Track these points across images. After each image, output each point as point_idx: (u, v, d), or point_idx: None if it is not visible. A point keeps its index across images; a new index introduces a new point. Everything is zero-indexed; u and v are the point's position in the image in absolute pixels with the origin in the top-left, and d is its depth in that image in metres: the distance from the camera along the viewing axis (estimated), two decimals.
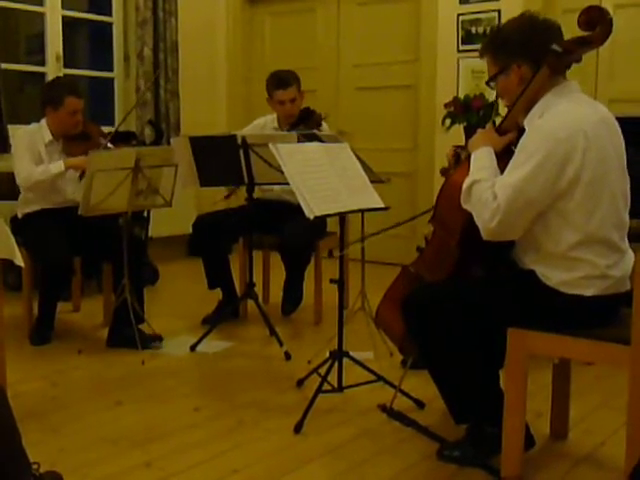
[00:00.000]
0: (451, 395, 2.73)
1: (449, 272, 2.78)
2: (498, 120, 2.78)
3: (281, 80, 4.73)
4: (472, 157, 2.61)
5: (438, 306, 2.61)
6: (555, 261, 2.47)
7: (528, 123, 2.52)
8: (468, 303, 2.59)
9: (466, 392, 2.68)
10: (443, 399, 2.75)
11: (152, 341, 4.08)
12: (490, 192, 2.44)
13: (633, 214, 2.58)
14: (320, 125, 4.68)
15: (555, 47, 2.46)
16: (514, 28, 2.59)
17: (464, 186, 2.53)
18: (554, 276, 2.47)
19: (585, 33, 2.47)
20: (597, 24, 2.44)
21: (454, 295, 2.64)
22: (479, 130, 2.75)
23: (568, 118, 2.42)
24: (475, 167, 2.56)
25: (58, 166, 4.13)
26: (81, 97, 4.25)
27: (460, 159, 2.94)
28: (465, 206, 2.54)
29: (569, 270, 2.45)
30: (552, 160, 2.36)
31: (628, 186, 2.54)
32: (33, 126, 4.31)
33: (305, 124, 4.61)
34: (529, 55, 2.51)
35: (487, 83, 2.67)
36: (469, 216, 2.55)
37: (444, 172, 3.17)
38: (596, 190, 2.40)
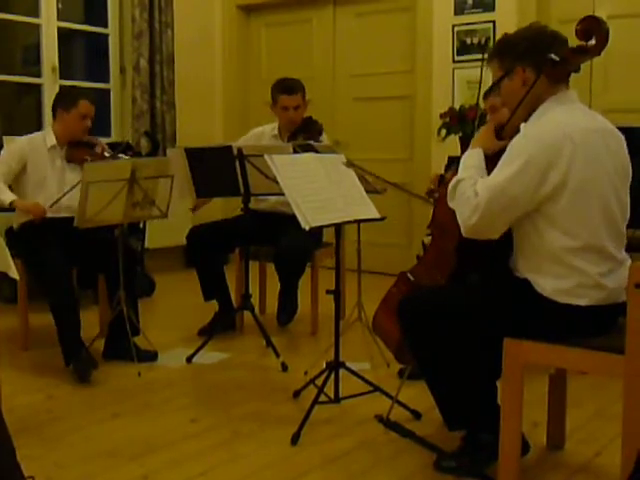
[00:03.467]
0: (445, 402, 2.73)
1: (447, 277, 2.79)
2: None
3: (287, 86, 4.75)
4: (463, 157, 2.65)
5: (433, 311, 2.61)
6: (548, 268, 2.48)
7: (524, 128, 2.55)
8: (463, 309, 2.60)
9: (460, 399, 2.68)
10: (437, 405, 2.75)
11: (147, 357, 4.05)
12: (472, 190, 2.47)
13: (630, 224, 2.59)
14: (321, 135, 4.68)
15: (552, 56, 2.48)
16: (522, 34, 2.64)
17: (450, 185, 2.57)
18: (548, 284, 2.48)
19: (582, 43, 2.49)
20: (594, 34, 2.46)
21: (449, 301, 2.65)
22: (482, 127, 2.78)
23: (557, 124, 2.45)
24: (462, 166, 2.61)
25: (6, 198, 4.02)
26: (93, 104, 4.24)
27: (443, 181, 3.00)
28: (450, 204, 2.57)
29: (562, 277, 2.46)
30: (534, 164, 2.38)
31: (628, 199, 2.55)
32: (36, 134, 4.30)
33: (305, 133, 4.61)
34: (534, 59, 2.53)
35: (490, 88, 2.69)
36: None
37: (429, 194, 3.24)
38: (584, 196, 2.41)
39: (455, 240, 2.71)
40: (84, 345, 3.91)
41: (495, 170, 2.47)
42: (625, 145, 2.57)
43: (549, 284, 2.47)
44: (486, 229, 2.49)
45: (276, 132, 4.85)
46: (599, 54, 2.48)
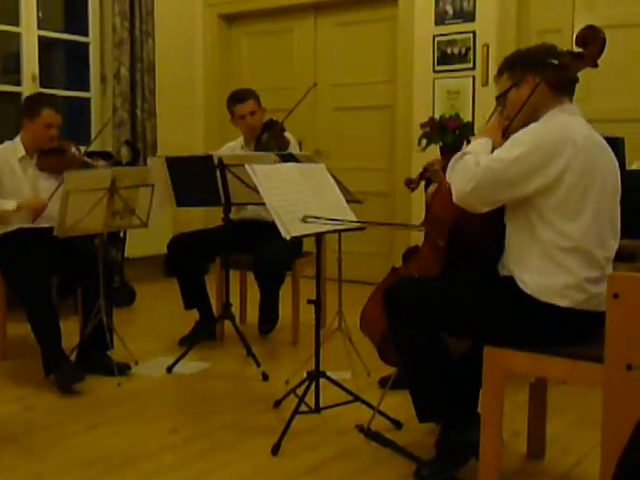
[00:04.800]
0: (418, 392, 2.76)
1: (438, 274, 2.82)
2: None
3: (238, 95, 4.89)
4: (472, 140, 2.73)
5: (416, 300, 2.65)
6: (536, 263, 2.50)
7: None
8: (445, 303, 2.64)
9: (433, 391, 2.71)
10: (410, 395, 2.77)
11: (122, 369, 3.99)
12: (475, 160, 2.52)
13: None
14: (284, 131, 4.74)
15: (552, 60, 2.54)
16: (533, 48, 2.74)
17: (454, 157, 2.62)
18: (532, 280, 2.50)
19: (580, 49, 2.54)
20: (590, 42, 2.52)
21: (435, 291, 2.69)
22: (492, 119, 2.80)
23: (561, 126, 2.51)
24: (471, 145, 2.67)
25: (11, 204, 4.04)
26: (59, 112, 4.21)
27: (424, 175, 3.13)
28: (449, 175, 2.61)
29: (547, 275, 2.49)
30: (537, 154, 2.43)
31: (618, 215, 2.59)
32: (7, 144, 4.27)
33: (268, 132, 4.67)
34: (541, 67, 2.58)
35: (498, 98, 2.73)
36: (458, 217, 2.65)
37: (407, 183, 3.32)
38: (579, 197, 2.45)
39: (445, 237, 2.76)
40: (67, 357, 3.87)
41: (498, 150, 2.54)
42: (616, 162, 2.61)
43: (533, 280, 2.50)
44: (475, 201, 2.54)
45: (242, 142, 4.92)
46: (595, 62, 2.54)
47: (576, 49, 2.55)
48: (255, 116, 4.81)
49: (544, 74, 2.57)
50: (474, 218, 2.63)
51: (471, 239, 2.74)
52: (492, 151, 2.63)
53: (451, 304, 2.64)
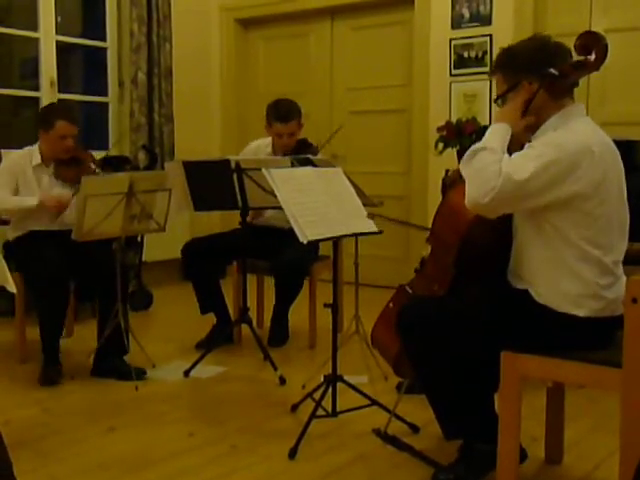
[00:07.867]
0: (443, 411, 2.74)
1: (446, 290, 2.79)
2: None
3: (282, 114, 4.65)
4: (490, 128, 2.58)
5: (432, 321, 2.62)
6: (550, 275, 2.48)
7: (539, 136, 2.53)
8: (462, 321, 2.61)
9: (458, 409, 2.69)
10: (435, 414, 2.76)
11: (138, 374, 4.00)
12: (497, 168, 2.38)
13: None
14: (316, 155, 4.64)
15: (552, 70, 2.49)
16: (525, 46, 2.62)
17: (471, 149, 2.50)
18: (548, 292, 2.49)
19: (581, 57, 2.50)
20: (592, 49, 2.47)
21: (448, 312, 2.66)
22: (508, 105, 2.64)
23: (580, 136, 2.44)
24: (489, 135, 2.54)
25: (32, 200, 4.11)
26: (74, 123, 4.22)
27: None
28: (463, 169, 2.50)
29: (561, 284, 2.47)
30: (557, 166, 2.36)
31: (627, 215, 2.56)
32: (25, 150, 4.31)
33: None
34: (537, 73, 2.51)
35: (495, 101, 2.69)
36: (465, 234, 2.60)
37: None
38: (593, 208, 2.42)
39: (453, 254, 2.72)
40: (57, 358, 4.04)
41: (516, 160, 2.42)
42: (620, 160, 2.58)
43: (549, 292, 2.49)
44: (489, 210, 2.45)
45: (270, 150, 4.84)
46: (598, 69, 2.49)
47: (577, 57, 2.50)
48: (292, 137, 4.69)
49: (541, 81, 2.50)
50: (485, 233, 2.60)
51: (481, 254, 2.68)
52: (510, 139, 2.54)
53: (468, 321, 2.60)
